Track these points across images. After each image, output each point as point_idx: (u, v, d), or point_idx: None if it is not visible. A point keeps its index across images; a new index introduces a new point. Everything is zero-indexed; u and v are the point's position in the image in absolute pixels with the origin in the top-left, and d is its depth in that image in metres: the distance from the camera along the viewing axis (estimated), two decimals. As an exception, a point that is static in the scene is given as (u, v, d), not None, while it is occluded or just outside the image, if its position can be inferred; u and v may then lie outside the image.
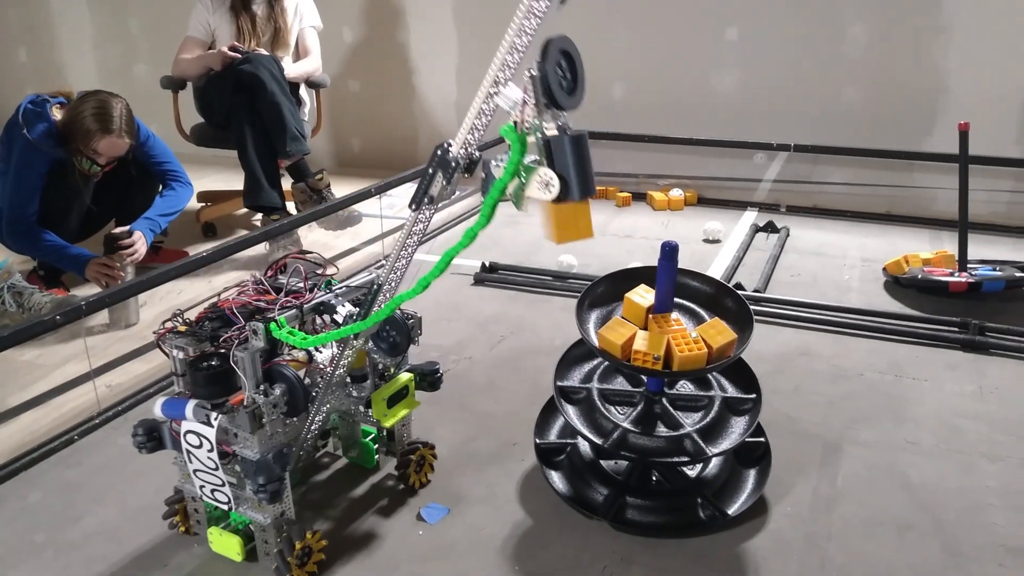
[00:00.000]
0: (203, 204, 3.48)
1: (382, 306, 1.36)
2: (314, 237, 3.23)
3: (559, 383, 1.62)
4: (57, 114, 2.53)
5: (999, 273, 2.54)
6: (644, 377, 1.57)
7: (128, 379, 2.15)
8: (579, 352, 1.69)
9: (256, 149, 3.07)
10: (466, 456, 1.76)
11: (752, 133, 3.59)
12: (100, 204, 2.77)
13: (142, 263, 2.64)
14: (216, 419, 1.30)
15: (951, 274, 2.54)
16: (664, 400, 1.56)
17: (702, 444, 1.48)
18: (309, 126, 3.37)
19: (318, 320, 1.49)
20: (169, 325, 1.38)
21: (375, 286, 1.38)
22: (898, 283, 2.64)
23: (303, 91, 3.39)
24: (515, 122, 1.12)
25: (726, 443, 1.50)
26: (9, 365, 2.22)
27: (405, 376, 1.60)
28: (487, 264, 2.80)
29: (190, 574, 1.44)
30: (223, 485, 1.35)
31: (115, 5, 4.73)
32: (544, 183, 1.11)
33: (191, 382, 1.35)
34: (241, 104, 3.04)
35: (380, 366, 1.58)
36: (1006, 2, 3.11)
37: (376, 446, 1.68)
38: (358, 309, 1.41)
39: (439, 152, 1.26)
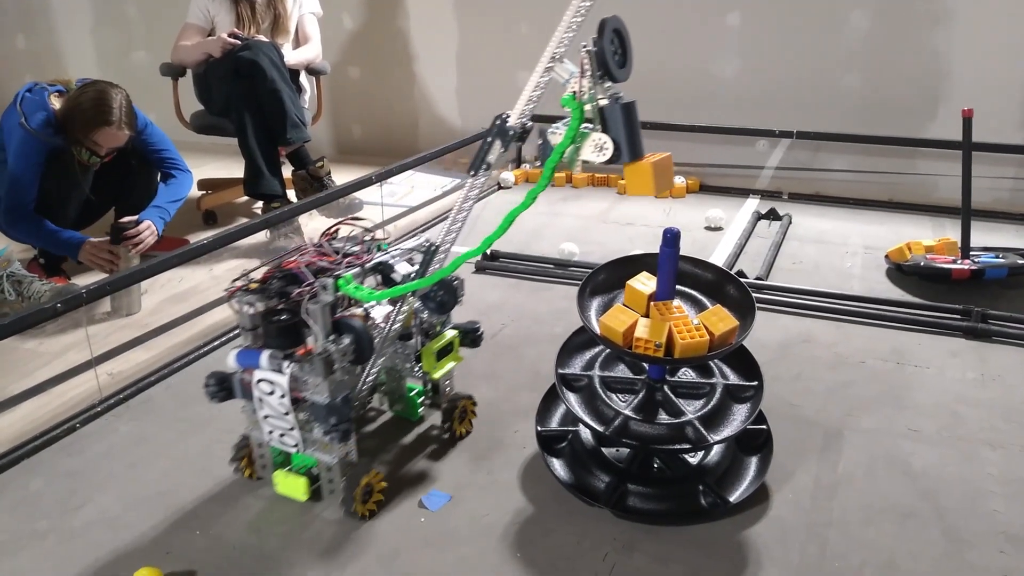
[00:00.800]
0: (203, 192, 3.47)
1: (440, 265, 1.51)
2: (314, 225, 3.22)
3: (560, 370, 1.61)
4: (56, 103, 2.52)
5: (1002, 260, 2.53)
6: (645, 364, 1.57)
7: (130, 367, 2.15)
8: (580, 339, 1.69)
9: (256, 137, 3.05)
10: (468, 443, 1.76)
11: (754, 120, 3.58)
12: (99, 193, 2.76)
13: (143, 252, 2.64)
14: (288, 367, 1.43)
15: (954, 261, 2.53)
16: (666, 387, 1.56)
17: (703, 431, 1.48)
18: (309, 113, 3.35)
19: (372, 280, 1.61)
20: (239, 284, 1.49)
21: (431, 247, 1.52)
22: (900, 270, 2.63)
23: (303, 78, 3.37)
24: (574, 92, 1.28)
25: (728, 431, 1.50)
26: (10, 354, 2.22)
27: (451, 333, 1.75)
28: (488, 252, 2.79)
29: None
30: (292, 429, 1.48)
31: (114, -9, 4.71)
32: (598, 146, 1.28)
33: (264, 334, 1.47)
34: (241, 91, 3.03)
35: (425, 325, 1.72)
36: (1010, -13, 3.09)
37: (420, 400, 1.81)
38: (416, 268, 1.56)
39: (498, 122, 1.40)
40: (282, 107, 3.02)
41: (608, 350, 1.62)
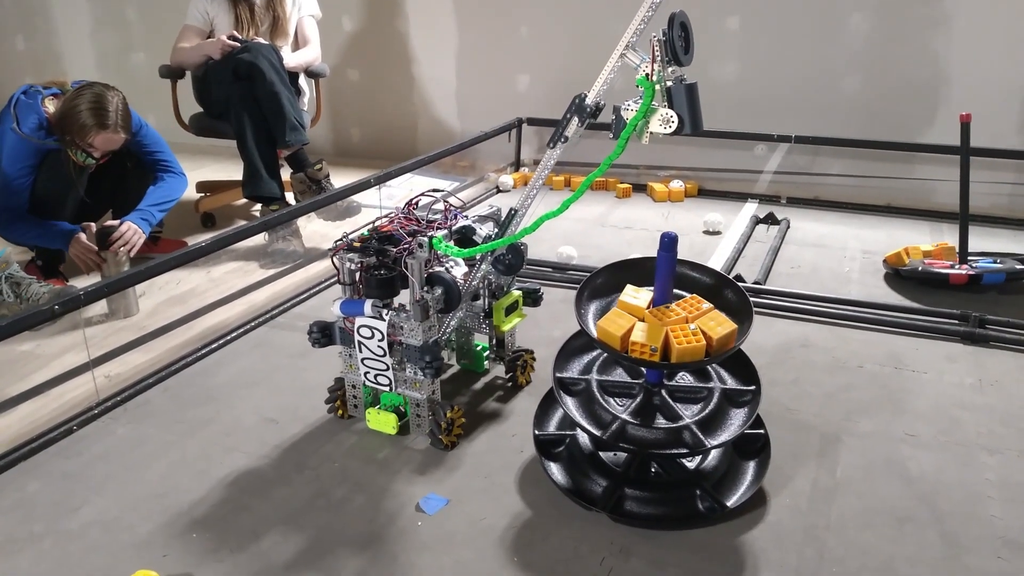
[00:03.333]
0: (202, 194, 3.47)
1: (519, 227, 1.70)
2: (313, 227, 3.22)
3: (558, 374, 1.61)
4: (50, 106, 2.52)
5: (1000, 265, 2.53)
6: (643, 369, 1.57)
7: (127, 370, 2.14)
8: (578, 343, 1.69)
9: (255, 139, 3.05)
10: (465, 447, 1.76)
11: (753, 124, 3.58)
12: (95, 195, 2.76)
13: (140, 253, 2.64)
14: (388, 314, 1.67)
15: (951, 266, 2.53)
16: (663, 392, 1.56)
17: (701, 436, 1.47)
18: (308, 116, 3.35)
19: (475, 236, 1.82)
20: (341, 244, 1.73)
21: (511, 211, 1.73)
22: (898, 275, 2.63)
23: (302, 80, 3.37)
24: (647, 74, 1.48)
25: (725, 435, 1.50)
26: (7, 355, 2.22)
27: (516, 292, 1.96)
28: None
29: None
30: (387, 369, 1.72)
31: (113, -7, 4.71)
32: (665, 120, 1.48)
33: (366, 285, 1.68)
34: (240, 93, 3.03)
35: (492, 286, 1.90)
36: (1008, -7, 3.10)
37: (486, 353, 2.02)
38: (495, 231, 1.79)
39: (577, 100, 1.58)
40: (281, 109, 3.02)
41: (606, 354, 1.62)
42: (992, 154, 3.18)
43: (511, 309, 1.94)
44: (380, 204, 3.29)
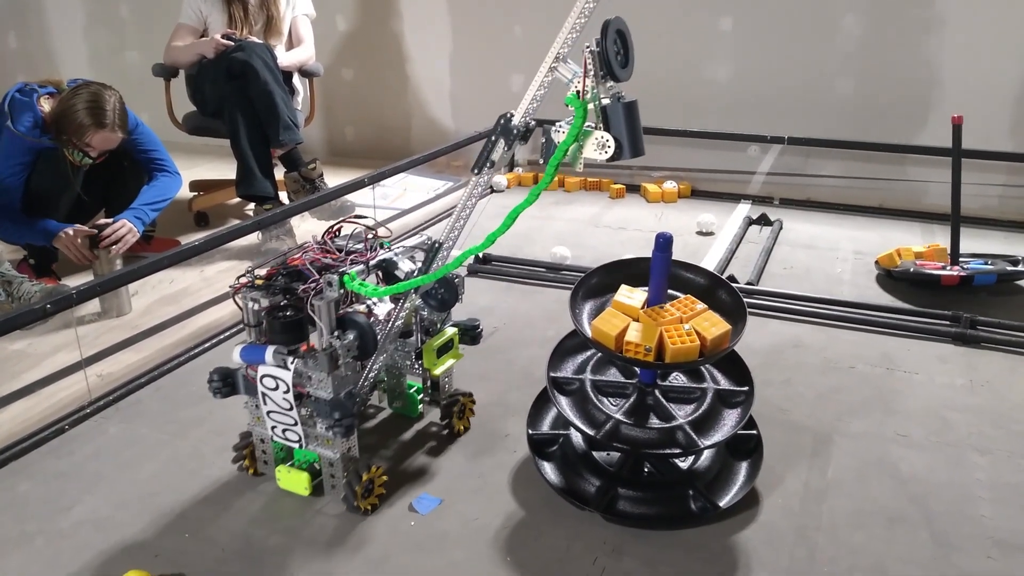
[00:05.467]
0: (195, 193, 3.46)
1: (442, 263, 1.55)
2: (306, 227, 3.22)
3: (552, 374, 1.62)
4: (45, 105, 2.51)
5: (991, 267, 2.55)
6: (637, 369, 1.57)
7: (119, 369, 2.14)
8: (572, 343, 1.69)
9: (249, 138, 3.05)
10: (459, 446, 1.76)
11: (746, 125, 3.59)
12: (90, 193, 2.75)
13: (133, 252, 2.63)
14: (293, 363, 1.45)
15: (943, 267, 2.54)
16: (657, 392, 1.56)
17: (694, 436, 1.48)
18: (302, 115, 3.35)
19: (373, 278, 1.62)
20: (244, 280, 1.51)
21: (435, 244, 1.56)
22: (890, 276, 2.64)
23: (296, 80, 3.37)
24: (577, 92, 1.30)
25: (718, 435, 1.50)
26: (-1, 354, 2.21)
27: (451, 330, 1.76)
28: (480, 255, 2.79)
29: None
30: (295, 424, 1.50)
31: (106, -9, 4.70)
32: (601, 144, 1.31)
33: (268, 330, 1.48)
34: (234, 92, 3.02)
35: (426, 322, 1.73)
36: (1000, -4, 3.12)
37: (420, 397, 1.81)
38: (418, 265, 1.59)
39: (502, 121, 1.43)
40: (275, 109, 3.01)
41: (600, 354, 1.62)
42: (983, 156, 3.20)
43: (445, 349, 1.74)
44: (374, 203, 3.29)
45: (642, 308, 1.49)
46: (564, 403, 1.57)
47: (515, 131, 1.44)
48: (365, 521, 1.52)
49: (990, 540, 1.46)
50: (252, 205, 3.28)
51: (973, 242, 2.92)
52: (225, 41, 3.05)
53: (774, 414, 1.86)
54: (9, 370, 2.14)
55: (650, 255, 1.47)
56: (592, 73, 1.30)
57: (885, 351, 2.18)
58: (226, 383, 1.55)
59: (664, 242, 1.43)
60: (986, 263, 2.60)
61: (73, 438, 1.83)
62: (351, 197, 3.10)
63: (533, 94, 1.41)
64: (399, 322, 1.61)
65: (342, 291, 1.47)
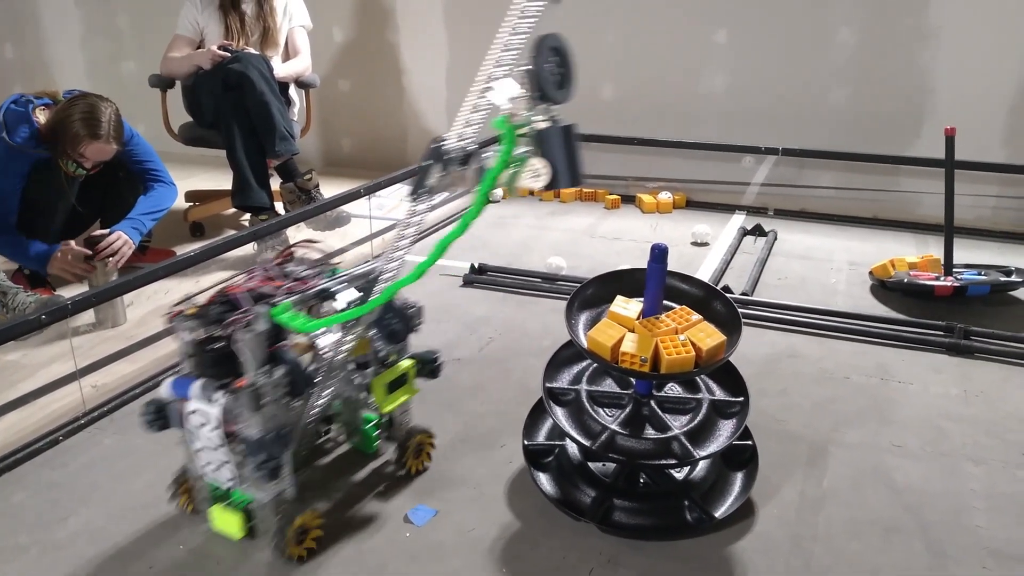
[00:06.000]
0: (191, 204, 3.45)
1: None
2: (303, 237, 3.22)
3: (548, 384, 1.62)
4: (40, 116, 2.51)
5: (984, 277, 2.56)
6: (632, 379, 1.58)
7: (114, 379, 2.13)
8: (568, 353, 1.69)
9: (245, 149, 3.05)
10: (454, 457, 1.76)
11: (740, 136, 3.61)
12: (85, 204, 2.75)
13: (129, 262, 2.62)
14: (220, 399, 1.36)
15: (937, 278, 2.56)
16: (652, 402, 1.56)
17: (690, 447, 1.48)
18: (298, 126, 3.36)
19: (324, 307, 1.52)
20: (179, 308, 1.43)
21: (373, 274, 1.46)
22: (884, 287, 2.65)
23: (292, 91, 3.37)
24: (508, 115, 1.19)
25: (713, 446, 1.51)
26: (-7, 364, 2.21)
27: (405, 363, 1.64)
28: (476, 266, 2.80)
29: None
30: (226, 463, 1.41)
31: (103, 1, 4.70)
32: (535, 172, 1.20)
33: (197, 363, 1.40)
34: (230, 103, 3.03)
35: (382, 353, 1.62)
36: (992, 6, 3.14)
37: (377, 432, 1.71)
38: (360, 295, 1.48)
39: (433, 145, 1.32)
40: (271, 119, 3.02)
41: (595, 364, 1.63)
42: (977, 167, 3.22)
43: (399, 383, 1.62)
44: (370, 214, 3.29)
45: (638, 319, 1.50)
46: (560, 414, 1.57)
47: (448, 156, 1.33)
48: (362, 532, 1.52)
49: (985, 550, 1.47)
50: (248, 216, 3.28)
51: (967, 253, 2.93)
52: (222, 52, 3.06)
53: (769, 424, 1.87)
54: (4, 381, 2.13)
55: (645, 266, 1.48)
56: (526, 95, 1.19)
57: (880, 361, 2.18)
58: (159, 415, 1.46)
59: (659, 253, 1.44)
60: (980, 274, 2.61)
61: (67, 449, 1.82)
62: (347, 207, 3.10)
63: (467, 117, 1.29)
64: (340, 356, 1.49)
65: (272, 323, 1.37)
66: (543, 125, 1.20)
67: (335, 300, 1.49)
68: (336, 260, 1.62)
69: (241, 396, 1.35)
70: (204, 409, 1.38)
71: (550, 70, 1.19)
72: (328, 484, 1.66)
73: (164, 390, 1.44)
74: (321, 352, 1.52)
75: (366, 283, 1.49)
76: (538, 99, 1.19)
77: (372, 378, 1.60)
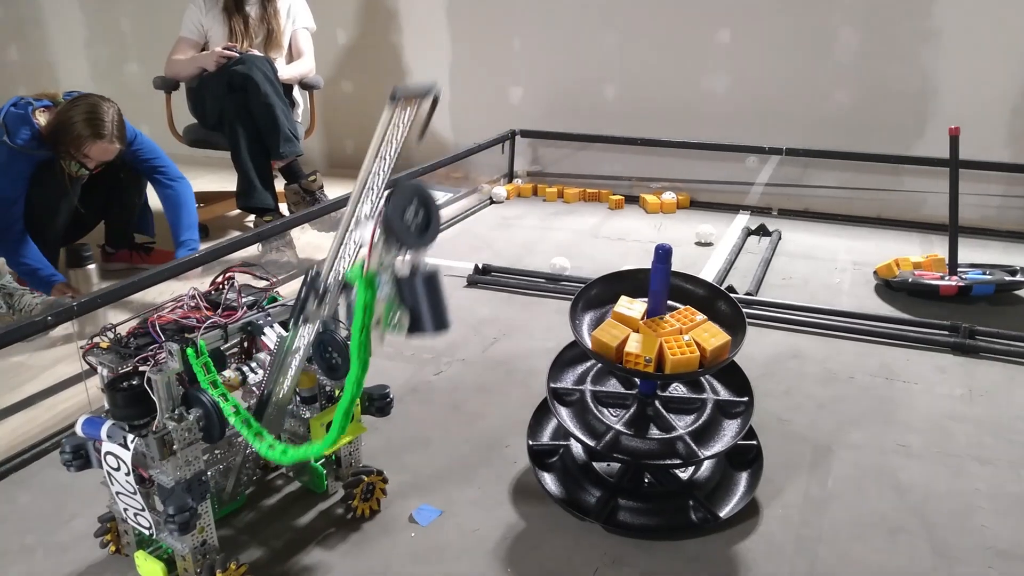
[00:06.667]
0: (196, 205, 3.46)
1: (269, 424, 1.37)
2: (307, 239, 3.23)
3: (552, 384, 1.62)
4: (41, 118, 2.51)
5: (989, 277, 2.55)
6: (637, 379, 1.58)
7: (119, 380, 2.14)
8: (572, 354, 1.69)
9: (249, 150, 3.06)
10: (459, 458, 1.76)
11: (744, 136, 3.61)
12: (88, 205, 2.75)
13: (134, 263, 2.63)
14: (133, 442, 1.24)
15: (941, 278, 2.55)
16: (657, 402, 1.56)
17: (694, 447, 1.48)
18: (302, 127, 3.36)
19: (263, 337, 1.40)
20: (96, 340, 1.31)
21: (264, 393, 1.38)
22: (889, 286, 2.65)
23: (296, 92, 3.38)
24: (361, 264, 1.11)
25: (718, 446, 1.51)
26: (-1, 366, 2.22)
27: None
28: (480, 266, 2.80)
29: None
30: (143, 510, 1.29)
31: (107, 3, 4.72)
32: (392, 323, 1.11)
33: (109, 402, 1.26)
34: (234, 105, 3.04)
35: (328, 388, 1.52)
36: (995, 6, 3.14)
37: (326, 471, 1.60)
38: (287, 333, 1.34)
39: (308, 278, 1.28)
40: (275, 121, 3.03)
41: (600, 364, 1.63)
42: (981, 166, 3.22)
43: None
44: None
45: (642, 319, 1.50)
46: (564, 414, 1.57)
47: (323, 289, 1.26)
48: (364, 530, 1.52)
49: (991, 550, 1.46)
50: (252, 217, 3.29)
51: (971, 252, 2.93)
52: (226, 54, 3.07)
53: (774, 424, 1.86)
54: (10, 382, 2.14)
55: (650, 266, 1.48)
56: (380, 240, 1.08)
57: (884, 361, 2.18)
58: (77, 455, 1.33)
59: (664, 253, 1.44)
60: (984, 273, 2.60)
61: (73, 450, 1.82)
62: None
63: (337, 250, 1.22)
64: (275, 397, 1.38)
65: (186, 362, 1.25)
66: (401, 274, 1.10)
67: (263, 336, 1.38)
68: (278, 288, 1.52)
69: (148, 441, 1.24)
70: (117, 452, 1.25)
71: (407, 217, 1.08)
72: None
73: (77, 429, 1.30)
74: (252, 389, 1.42)
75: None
76: (396, 246, 1.09)
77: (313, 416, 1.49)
